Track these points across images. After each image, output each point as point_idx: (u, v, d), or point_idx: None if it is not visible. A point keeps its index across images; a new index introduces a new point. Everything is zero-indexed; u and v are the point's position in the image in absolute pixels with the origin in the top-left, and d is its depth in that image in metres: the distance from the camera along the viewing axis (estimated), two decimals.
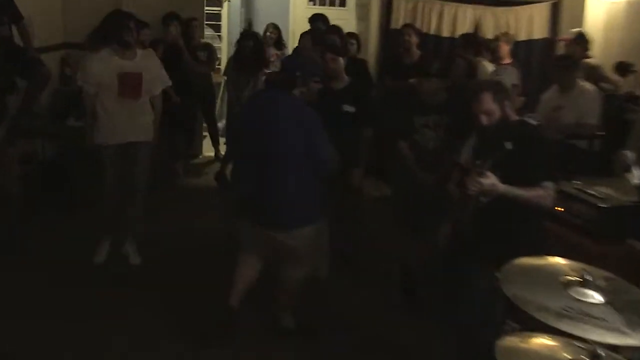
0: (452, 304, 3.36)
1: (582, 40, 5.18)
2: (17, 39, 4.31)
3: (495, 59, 5.08)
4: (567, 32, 5.59)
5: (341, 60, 4.13)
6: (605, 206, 3.44)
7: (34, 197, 4.65)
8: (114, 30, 3.74)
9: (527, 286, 1.94)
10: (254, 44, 5.46)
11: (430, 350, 3.56)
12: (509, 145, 2.92)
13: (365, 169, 4.69)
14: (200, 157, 6.63)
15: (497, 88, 3.13)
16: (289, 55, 5.64)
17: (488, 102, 3.00)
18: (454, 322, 3.30)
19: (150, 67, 3.91)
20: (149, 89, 3.90)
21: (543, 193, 2.95)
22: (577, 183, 3.70)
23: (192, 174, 6.15)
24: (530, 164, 3.00)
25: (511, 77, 4.58)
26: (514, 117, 3.11)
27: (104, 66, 3.72)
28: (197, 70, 5.73)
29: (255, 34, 5.72)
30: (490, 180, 2.83)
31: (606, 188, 3.67)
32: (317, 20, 5.81)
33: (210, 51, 6.02)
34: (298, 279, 3.40)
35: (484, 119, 3.02)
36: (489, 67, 4.94)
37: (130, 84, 3.76)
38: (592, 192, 3.56)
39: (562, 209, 3.65)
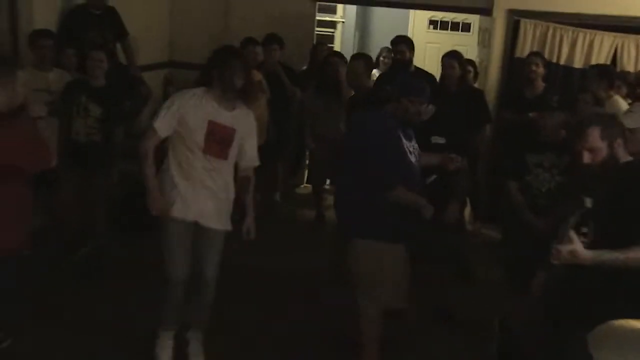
0: None
1: None
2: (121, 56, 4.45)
3: (634, 94, 4.50)
4: None
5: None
6: None
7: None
8: (221, 71, 3.00)
9: (619, 352, 1.76)
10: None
11: None
12: (588, 203, 2.76)
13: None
14: (302, 186, 6.55)
15: (608, 123, 2.85)
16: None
17: (594, 138, 2.74)
18: None
19: (247, 128, 3.19)
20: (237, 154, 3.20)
21: None
22: None
23: (293, 204, 6.09)
24: (633, 216, 2.66)
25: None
26: (626, 158, 2.79)
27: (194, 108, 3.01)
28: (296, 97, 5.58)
29: (367, 56, 5.30)
30: (571, 246, 2.54)
31: None
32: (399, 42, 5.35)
33: None
34: (362, 309, 3.31)
35: (586, 157, 2.77)
36: (623, 103, 4.35)
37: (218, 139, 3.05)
38: None
39: None
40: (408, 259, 3.42)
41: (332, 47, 7.41)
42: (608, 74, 4.68)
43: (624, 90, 4.62)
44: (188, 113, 2.95)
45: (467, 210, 5.18)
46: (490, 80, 5.85)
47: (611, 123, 2.90)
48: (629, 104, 4.27)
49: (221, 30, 5.94)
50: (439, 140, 3.88)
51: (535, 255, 3.49)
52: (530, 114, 4.45)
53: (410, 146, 3.32)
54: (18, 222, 3.04)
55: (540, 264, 3.19)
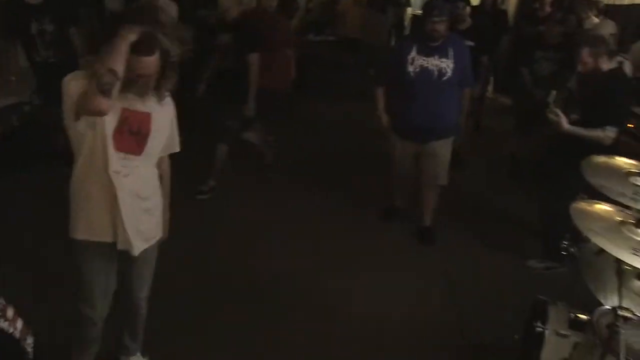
0: (546, 182, 4.24)
1: None
2: None
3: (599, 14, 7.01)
4: None
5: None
6: None
7: None
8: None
9: (603, 175, 2.43)
10: None
11: (523, 211, 5.00)
12: (552, 98, 3.73)
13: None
14: None
15: (595, 42, 3.66)
16: None
17: (585, 55, 3.63)
18: (542, 194, 4.32)
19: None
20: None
21: (601, 135, 3.56)
22: None
23: None
24: (601, 110, 3.62)
25: (609, 28, 5.85)
26: (607, 67, 3.66)
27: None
28: None
29: None
30: (557, 118, 3.56)
31: None
32: None
33: None
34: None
35: (580, 67, 3.73)
36: (595, 19, 6.59)
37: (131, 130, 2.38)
38: None
39: (633, 126, 4.80)
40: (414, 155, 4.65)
41: None
42: (585, 2, 7.06)
43: (594, 11, 7.00)
44: None
45: (490, 86, 7.67)
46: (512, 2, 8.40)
47: (598, 42, 3.68)
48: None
49: None
50: (470, 43, 5.01)
51: (535, 113, 4.65)
52: (540, 27, 6.15)
53: (422, 59, 4.28)
54: None
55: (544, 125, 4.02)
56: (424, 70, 4.27)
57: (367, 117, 5.39)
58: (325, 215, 5.09)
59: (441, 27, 4.21)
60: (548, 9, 7.37)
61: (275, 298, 3.85)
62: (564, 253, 3.00)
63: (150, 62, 2.28)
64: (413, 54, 4.28)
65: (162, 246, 2.80)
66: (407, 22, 9.71)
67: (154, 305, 2.93)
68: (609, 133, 3.59)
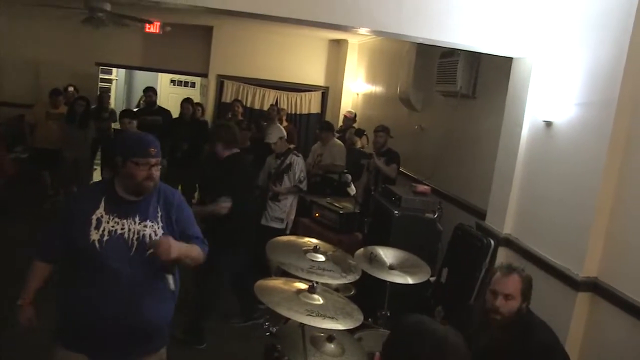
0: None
1: (354, 116, 8.32)
2: None
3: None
4: (347, 110, 8.64)
5: None
6: (343, 212, 5.48)
7: None
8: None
9: (284, 254, 2.89)
10: None
11: None
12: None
13: None
14: None
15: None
16: None
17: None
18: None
19: None
20: None
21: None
22: (329, 199, 5.78)
23: None
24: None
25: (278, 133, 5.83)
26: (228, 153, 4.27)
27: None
28: None
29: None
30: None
31: (344, 203, 5.63)
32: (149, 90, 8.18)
33: None
34: None
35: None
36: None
37: None
38: (337, 205, 5.62)
39: (318, 215, 5.67)
40: None
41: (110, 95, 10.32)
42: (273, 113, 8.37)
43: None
44: None
45: None
46: (208, 114, 9.38)
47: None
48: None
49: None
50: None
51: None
52: None
53: (115, 222, 2.42)
54: None
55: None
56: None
57: None
58: None
59: None
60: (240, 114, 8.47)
61: None
62: (267, 333, 2.74)
63: None
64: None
65: None
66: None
67: None
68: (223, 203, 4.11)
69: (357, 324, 2.56)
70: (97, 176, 9.15)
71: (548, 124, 3.63)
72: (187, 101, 7.87)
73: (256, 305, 4.33)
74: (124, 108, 11.23)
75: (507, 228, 3.92)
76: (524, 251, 3.66)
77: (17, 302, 2.50)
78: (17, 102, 8.88)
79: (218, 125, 4.44)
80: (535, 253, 3.56)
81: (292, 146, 5.77)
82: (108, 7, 6.64)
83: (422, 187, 4.86)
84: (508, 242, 3.88)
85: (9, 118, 8.40)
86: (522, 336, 2.48)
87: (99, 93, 9.37)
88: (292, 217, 5.40)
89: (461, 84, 5.20)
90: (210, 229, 3.80)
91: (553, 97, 3.59)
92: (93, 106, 8.64)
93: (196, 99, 9.69)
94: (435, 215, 4.54)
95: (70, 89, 8.01)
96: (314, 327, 2.53)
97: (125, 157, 2.40)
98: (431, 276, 3.66)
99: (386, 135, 5.89)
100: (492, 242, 3.94)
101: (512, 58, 3.99)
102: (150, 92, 8.17)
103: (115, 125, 9.06)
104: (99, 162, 9.07)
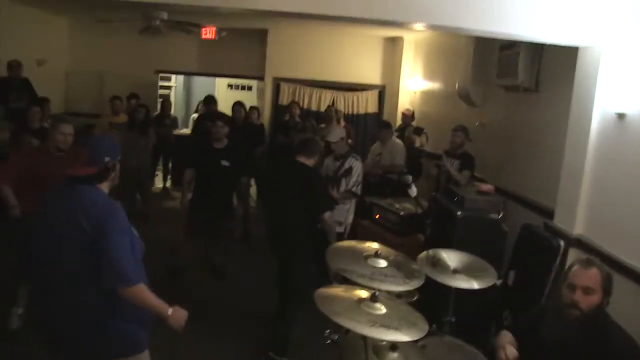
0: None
1: (412, 114, 8.25)
2: None
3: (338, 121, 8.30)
4: (405, 108, 8.49)
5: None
6: (403, 214, 5.33)
7: None
8: None
9: (344, 260, 2.83)
10: None
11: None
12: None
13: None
14: None
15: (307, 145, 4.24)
16: None
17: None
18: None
19: None
20: None
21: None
22: (389, 200, 5.62)
23: None
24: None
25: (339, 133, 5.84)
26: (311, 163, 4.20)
27: None
28: None
29: None
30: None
31: (404, 204, 5.44)
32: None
33: None
34: None
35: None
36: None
37: None
38: (397, 206, 5.46)
39: (379, 216, 5.58)
40: None
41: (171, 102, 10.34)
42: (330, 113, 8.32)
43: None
44: None
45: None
46: (265, 117, 9.42)
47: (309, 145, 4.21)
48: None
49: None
50: (225, 163, 5.27)
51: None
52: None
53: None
54: None
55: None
56: None
57: None
58: None
59: None
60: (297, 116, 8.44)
61: None
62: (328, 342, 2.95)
63: None
64: None
65: None
66: None
67: None
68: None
69: (422, 335, 2.46)
70: (158, 182, 9.43)
71: (620, 116, 3.41)
72: (238, 104, 7.86)
73: None
74: (184, 114, 11.55)
75: (578, 228, 3.71)
76: (597, 252, 3.42)
77: (168, 313, 2.44)
78: (84, 111, 9.26)
79: (307, 140, 4.40)
80: (609, 254, 3.34)
81: (350, 141, 5.68)
82: (165, 15, 6.78)
83: (485, 186, 4.69)
84: (579, 243, 3.66)
85: (77, 127, 8.69)
86: (599, 338, 2.32)
87: (161, 100, 9.61)
88: (350, 220, 5.31)
89: (523, 77, 4.96)
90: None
91: (625, 87, 3.36)
92: (155, 113, 8.88)
93: (253, 102, 9.80)
94: (500, 216, 4.38)
95: (133, 101, 8.20)
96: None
97: None
98: (497, 279, 3.50)
99: (464, 136, 5.56)
100: (562, 243, 3.74)
101: (578, 47, 3.77)
102: (211, 104, 8.36)
103: (177, 132, 9.33)
104: (160, 168, 9.38)
